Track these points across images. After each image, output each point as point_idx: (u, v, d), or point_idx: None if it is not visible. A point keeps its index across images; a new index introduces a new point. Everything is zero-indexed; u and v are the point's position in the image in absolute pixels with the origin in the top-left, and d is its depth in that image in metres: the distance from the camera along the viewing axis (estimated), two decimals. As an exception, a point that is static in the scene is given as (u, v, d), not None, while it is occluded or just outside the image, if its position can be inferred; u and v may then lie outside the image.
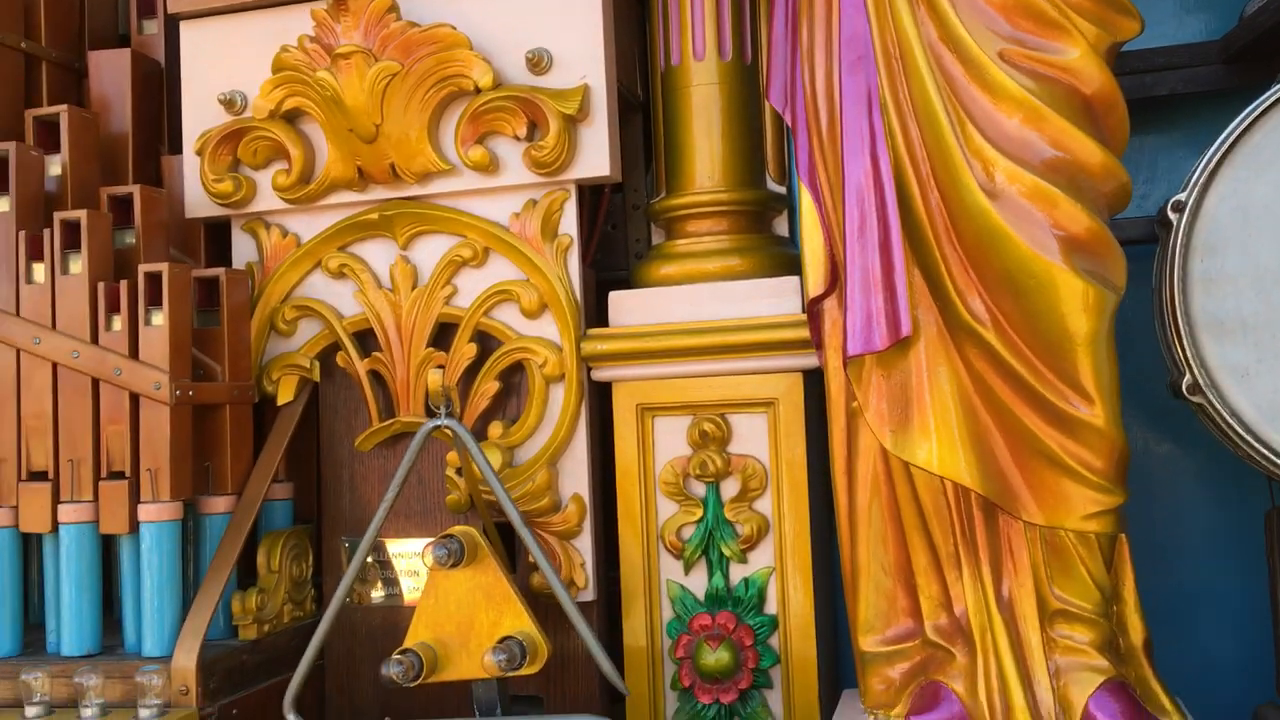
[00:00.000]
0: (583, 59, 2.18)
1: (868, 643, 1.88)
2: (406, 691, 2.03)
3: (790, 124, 1.93)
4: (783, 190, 2.31)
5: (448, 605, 1.97)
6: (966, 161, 1.62)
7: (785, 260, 2.21)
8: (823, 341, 1.93)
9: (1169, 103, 2.30)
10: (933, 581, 1.81)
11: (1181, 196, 1.81)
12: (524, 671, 1.92)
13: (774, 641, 2.13)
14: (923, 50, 1.66)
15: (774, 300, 2.13)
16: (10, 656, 2.08)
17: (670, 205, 2.27)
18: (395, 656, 1.92)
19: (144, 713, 1.90)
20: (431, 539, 1.98)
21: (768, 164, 2.31)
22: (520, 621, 1.95)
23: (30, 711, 1.94)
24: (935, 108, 1.65)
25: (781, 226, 2.33)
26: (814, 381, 2.10)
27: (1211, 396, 1.80)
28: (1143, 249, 2.04)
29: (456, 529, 1.97)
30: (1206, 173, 1.79)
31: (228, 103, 2.32)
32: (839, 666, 2.28)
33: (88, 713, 1.91)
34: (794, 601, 2.11)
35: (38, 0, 2.49)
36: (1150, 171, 2.35)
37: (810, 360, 2.06)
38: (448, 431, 2.01)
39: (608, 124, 2.18)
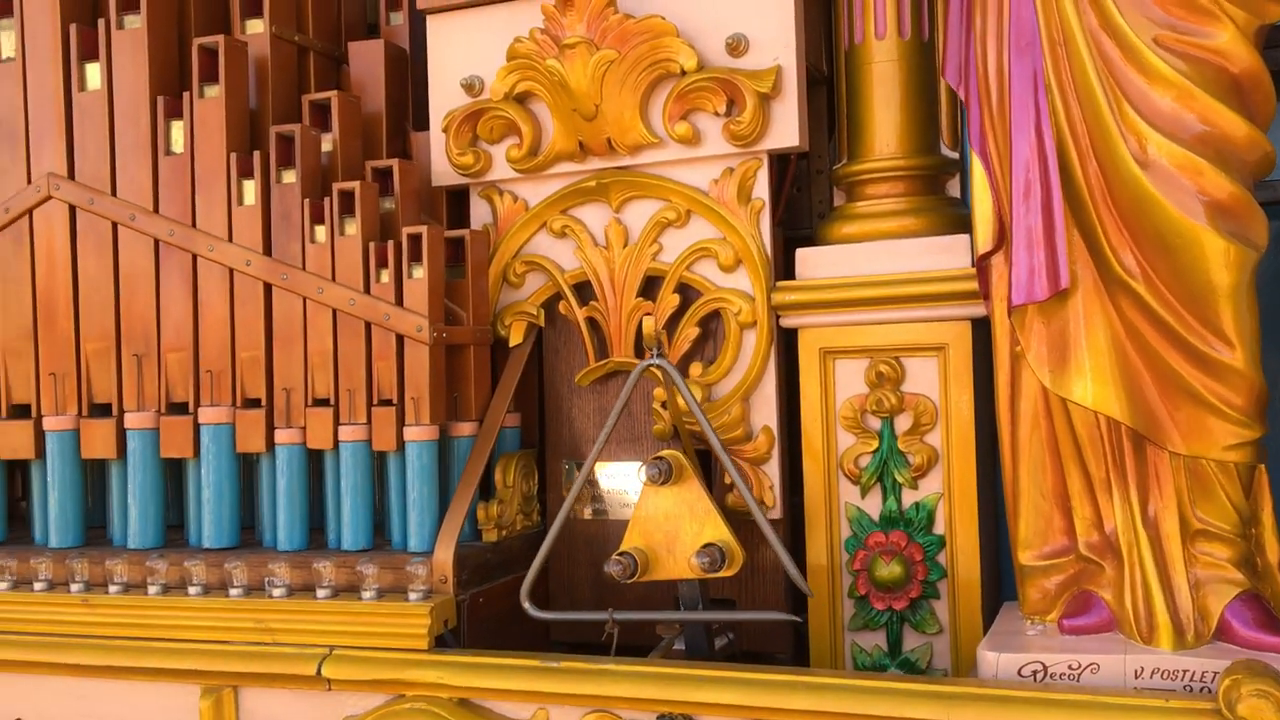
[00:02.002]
0: (776, 42, 2.46)
1: (1026, 557, 2.15)
2: (618, 589, 2.39)
3: (964, 99, 2.18)
4: (955, 156, 2.54)
5: (657, 517, 2.31)
6: (1122, 135, 1.85)
7: (956, 220, 2.45)
8: (990, 293, 2.18)
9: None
10: (1086, 504, 2.06)
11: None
12: (723, 574, 2.25)
13: (941, 558, 2.40)
14: (1083, 36, 1.89)
15: (945, 255, 2.38)
16: (300, 550, 2.53)
17: (852, 171, 2.54)
18: (615, 557, 2.27)
19: (413, 596, 2.32)
20: (643, 461, 2.33)
21: (942, 132, 2.54)
22: (720, 532, 2.28)
23: (320, 594, 2.38)
24: (1094, 88, 1.88)
25: (954, 189, 2.57)
26: (980, 328, 2.34)
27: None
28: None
29: (665, 452, 2.30)
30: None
31: (468, 86, 2.69)
32: (1000, 581, 2.54)
33: (367, 595, 2.34)
34: (960, 523, 2.38)
35: (305, -2, 2.92)
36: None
37: (978, 309, 2.30)
38: (656, 371, 2.35)
39: (797, 100, 2.46)
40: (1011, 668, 1.96)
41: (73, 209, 2.69)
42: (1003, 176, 2.04)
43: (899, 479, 2.43)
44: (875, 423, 2.45)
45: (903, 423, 2.43)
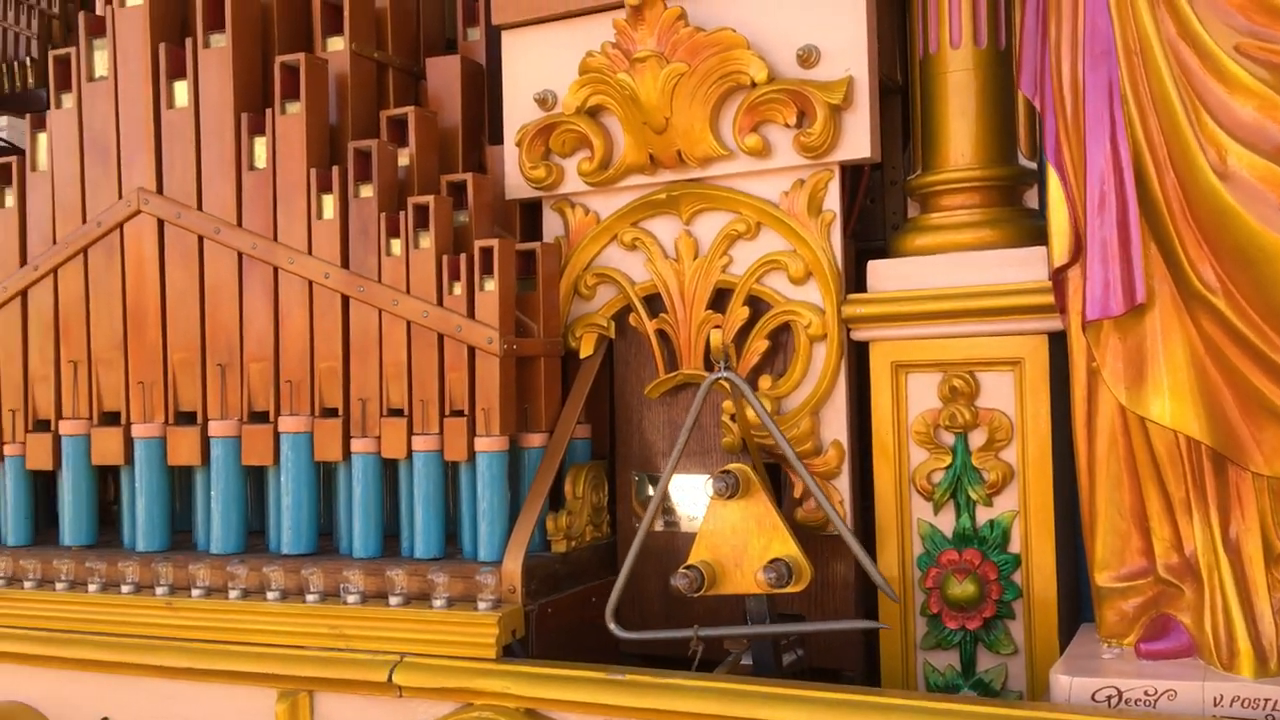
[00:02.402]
0: (848, 53, 2.44)
1: (1104, 579, 2.09)
2: (687, 602, 2.39)
3: (1039, 109, 2.14)
4: (1033, 166, 2.50)
5: (724, 530, 2.30)
6: (1200, 146, 1.80)
7: (1033, 231, 2.40)
8: (1066, 306, 2.13)
9: None
10: (1165, 525, 2.00)
11: None
12: (790, 589, 2.23)
13: (1016, 577, 2.35)
14: (1161, 45, 1.84)
15: (1021, 268, 2.33)
16: (374, 557, 2.58)
17: (926, 182, 2.50)
18: (681, 570, 2.26)
19: (481, 605, 2.35)
20: (711, 474, 2.32)
21: (1019, 142, 2.50)
22: (787, 547, 2.26)
23: (393, 601, 2.42)
24: (1172, 98, 1.83)
25: (1031, 199, 2.52)
26: (1057, 343, 2.29)
27: None
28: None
29: (733, 465, 2.30)
30: None
31: (541, 100, 2.72)
32: (1078, 601, 2.48)
33: (438, 603, 2.37)
34: (1036, 542, 2.33)
35: (386, 14, 2.96)
36: None
37: (1054, 323, 2.25)
38: (725, 383, 2.34)
39: (869, 111, 2.43)
40: (1085, 692, 1.91)
41: (161, 223, 2.77)
42: (1078, 188, 1.99)
43: (973, 496, 2.38)
44: (949, 438, 2.41)
45: (977, 438, 2.38)
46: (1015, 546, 2.36)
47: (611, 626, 2.31)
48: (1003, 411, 2.36)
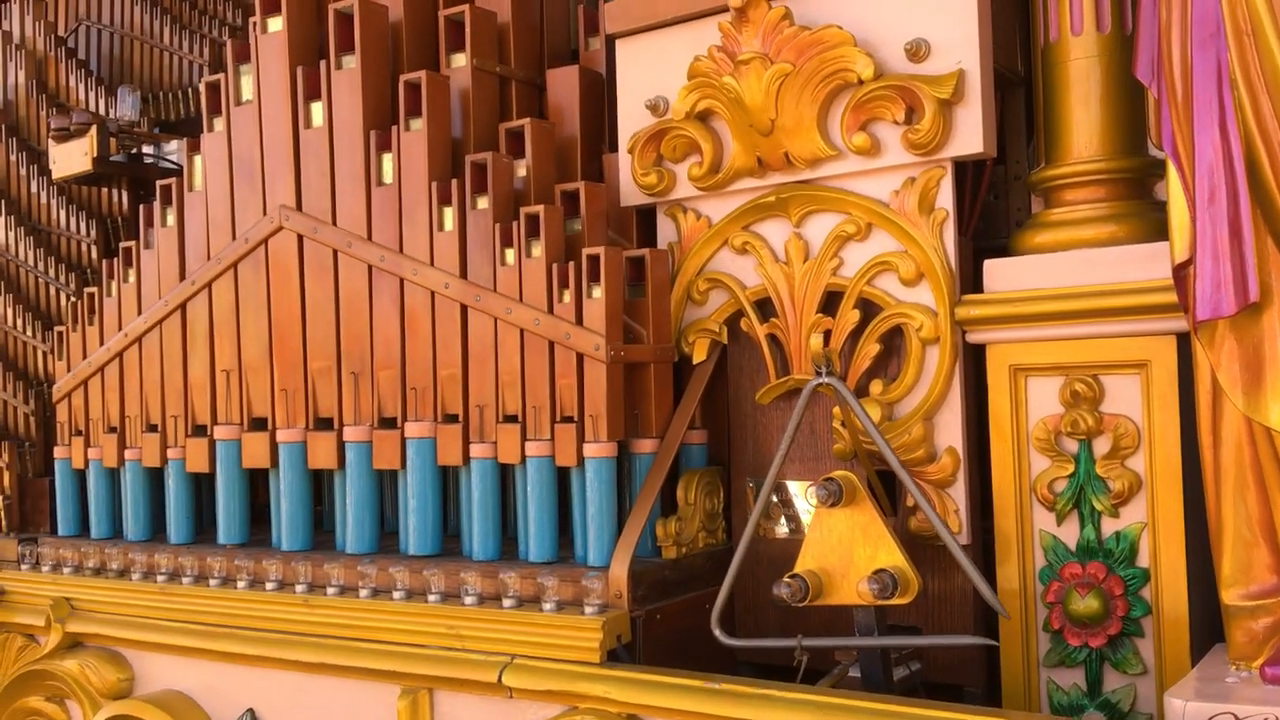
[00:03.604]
0: (958, 45, 2.35)
1: (1231, 596, 1.95)
2: (804, 612, 2.34)
3: (1156, 96, 2.01)
4: (1163, 156, 2.34)
5: (830, 539, 2.25)
6: (1318, 130, 1.65)
7: (1163, 225, 2.21)
8: (1188, 306, 1.99)
9: None
10: (1295, 540, 1.85)
11: None
12: (895, 601, 2.16)
13: (1145, 593, 2.21)
14: (1274, 23, 1.69)
15: (1147, 265, 2.19)
16: (492, 560, 2.64)
17: (1048, 176, 2.39)
18: (785, 579, 2.23)
19: (588, 610, 2.37)
20: (813, 482, 2.27)
21: (1149, 131, 2.35)
22: (894, 557, 2.19)
23: (506, 603, 2.47)
24: (1286, 79, 1.68)
25: (1164, 192, 2.35)
26: (1186, 344, 2.15)
27: None
28: None
29: (837, 473, 2.24)
30: None
31: (652, 107, 2.72)
32: (1216, 619, 2.31)
33: (547, 606, 2.41)
34: (1165, 556, 2.19)
35: (508, 29, 3.03)
36: None
37: (1182, 324, 2.10)
38: (832, 388, 2.29)
39: (982, 104, 2.34)
40: (1200, 718, 1.78)
41: (300, 238, 2.92)
42: (1191, 179, 1.86)
43: (1098, 506, 2.26)
44: (1071, 445, 2.29)
45: (1101, 445, 2.26)
46: (1144, 560, 2.22)
47: (716, 633, 2.29)
48: (1129, 417, 2.23)
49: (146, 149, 3.91)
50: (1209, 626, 2.27)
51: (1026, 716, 2.24)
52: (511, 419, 2.62)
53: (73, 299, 3.68)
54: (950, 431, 2.40)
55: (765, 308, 2.61)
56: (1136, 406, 2.22)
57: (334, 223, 2.87)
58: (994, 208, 2.66)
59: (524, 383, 2.59)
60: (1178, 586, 2.17)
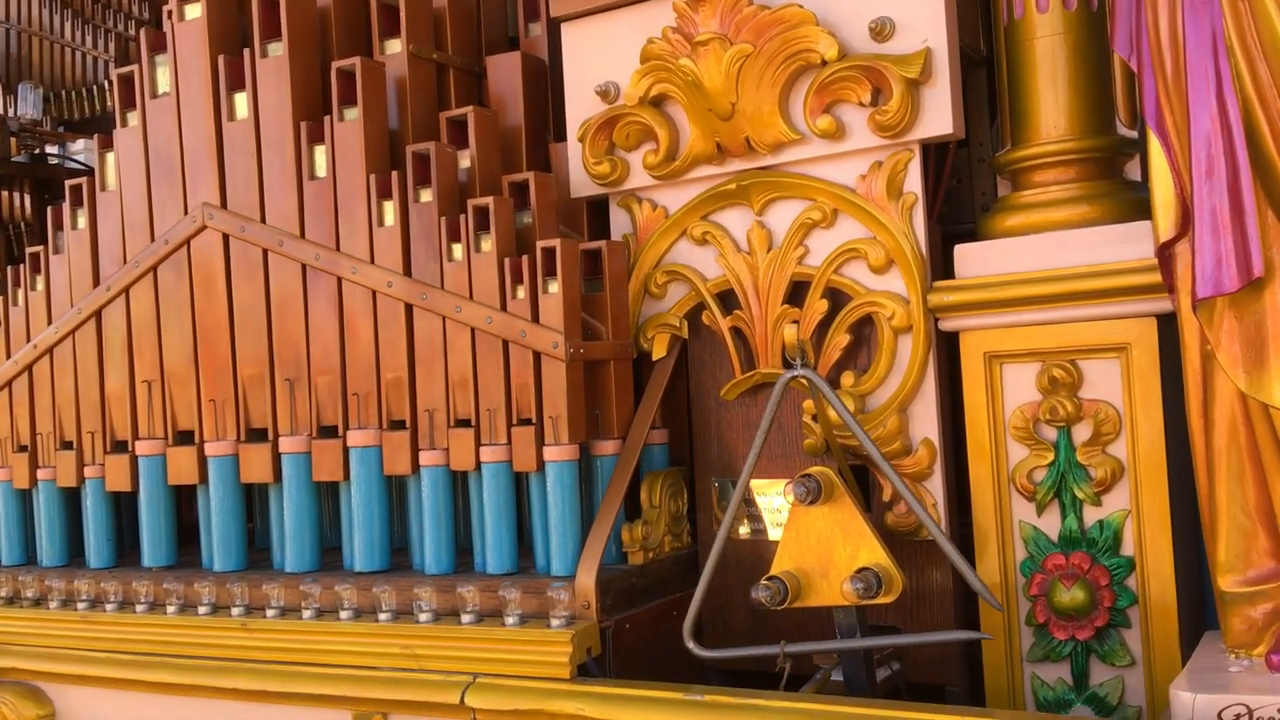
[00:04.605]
0: (924, 22, 2.28)
1: (1228, 583, 1.89)
2: (775, 617, 2.25)
3: (1136, 70, 1.94)
4: (1133, 135, 2.30)
5: (808, 538, 2.16)
6: (1321, 97, 1.60)
7: (1136, 205, 2.20)
8: (1175, 285, 1.93)
9: None
10: (1295, 523, 1.80)
11: None
12: (880, 600, 2.08)
13: (1131, 582, 2.16)
14: (1272, -12, 1.64)
15: (1124, 245, 2.14)
16: (446, 574, 2.49)
17: (1015, 157, 2.32)
18: (763, 582, 2.13)
19: (555, 623, 2.24)
20: (789, 479, 2.18)
21: (1118, 109, 2.30)
22: (876, 555, 2.11)
23: (465, 619, 2.33)
24: (1286, 44, 1.63)
25: (1133, 171, 2.32)
26: (1167, 325, 2.10)
27: None
28: None
29: (814, 469, 2.15)
30: None
31: (603, 93, 2.60)
32: (1203, 607, 2.27)
33: (510, 620, 2.28)
34: (1151, 543, 2.13)
35: (444, 15, 2.89)
36: None
37: (1163, 305, 2.06)
38: (804, 381, 2.20)
39: (950, 84, 2.27)
40: (1210, 710, 1.72)
41: (226, 237, 2.74)
42: (1182, 153, 1.80)
43: (1079, 495, 2.20)
44: (1050, 433, 2.23)
45: (1081, 432, 2.20)
46: (1128, 549, 2.16)
47: (690, 645, 2.18)
48: (1109, 402, 2.17)
49: (50, 149, 3.67)
50: (1197, 615, 2.23)
51: (1013, 715, 2.17)
52: (464, 423, 2.47)
53: (-27, 310, 3.43)
54: (926, 423, 2.32)
55: (728, 300, 2.51)
56: (1117, 391, 2.17)
57: (263, 220, 2.69)
58: (958, 191, 2.60)
59: (477, 385, 2.45)
60: (1165, 574, 2.12)
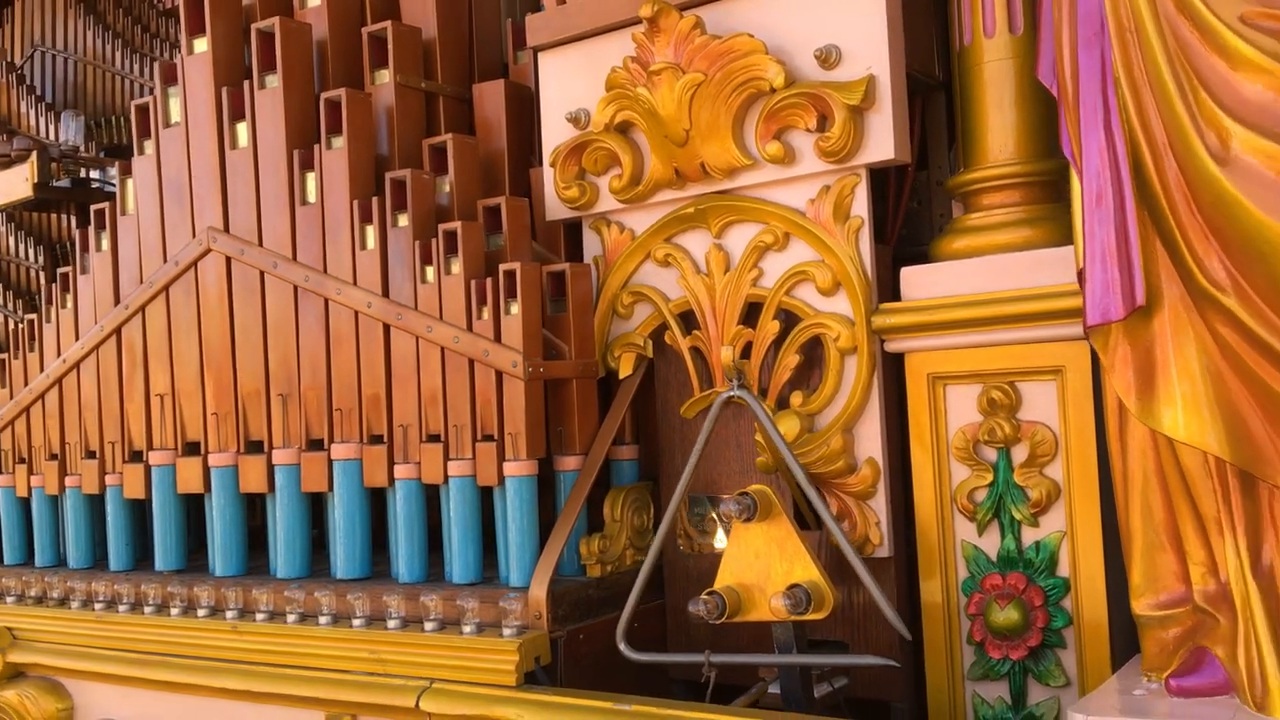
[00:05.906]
0: (868, 51, 2.32)
1: (1141, 606, 1.91)
2: (733, 629, 2.30)
3: (1057, 98, 1.97)
4: (1079, 158, 2.31)
5: (747, 555, 2.21)
6: (1198, 130, 1.61)
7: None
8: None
9: None
10: (1199, 548, 1.81)
11: None
12: (810, 617, 2.12)
13: (1067, 603, 2.17)
14: (1155, 21, 1.65)
15: (1060, 269, 2.15)
16: (417, 582, 2.60)
17: (965, 180, 2.35)
18: (702, 596, 2.19)
19: (506, 632, 2.33)
20: (726, 496, 2.24)
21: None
22: (809, 572, 2.15)
23: (428, 626, 2.43)
24: (1165, 77, 1.64)
25: (1079, 194, 2.33)
26: (1099, 349, 2.11)
27: None
28: None
29: (753, 487, 2.21)
30: None
31: (574, 119, 2.69)
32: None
33: (468, 629, 2.37)
34: (1084, 565, 2.15)
35: (435, 44, 3.01)
36: None
37: (1095, 328, 2.07)
38: (743, 401, 2.26)
39: (893, 110, 2.31)
40: (1100, 733, 1.74)
41: (228, 260, 2.89)
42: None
43: (1017, 515, 2.22)
44: (990, 454, 2.25)
45: (1019, 453, 2.22)
46: (1064, 570, 2.18)
47: (621, 646, 2.26)
48: (1046, 424, 2.19)
49: (93, 173, 3.90)
50: (1131, 637, 2.23)
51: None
52: (434, 438, 2.58)
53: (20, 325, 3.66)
54: (870, 443, 2.36)
55: (689, 320, 2.58)
56: (1053, 413, 2.18)
57: (260, 243, 2.84)
58: (917, 214, 2.63)
59: (446, 401, 2.56)
60: (1097, 596, 2.13)
